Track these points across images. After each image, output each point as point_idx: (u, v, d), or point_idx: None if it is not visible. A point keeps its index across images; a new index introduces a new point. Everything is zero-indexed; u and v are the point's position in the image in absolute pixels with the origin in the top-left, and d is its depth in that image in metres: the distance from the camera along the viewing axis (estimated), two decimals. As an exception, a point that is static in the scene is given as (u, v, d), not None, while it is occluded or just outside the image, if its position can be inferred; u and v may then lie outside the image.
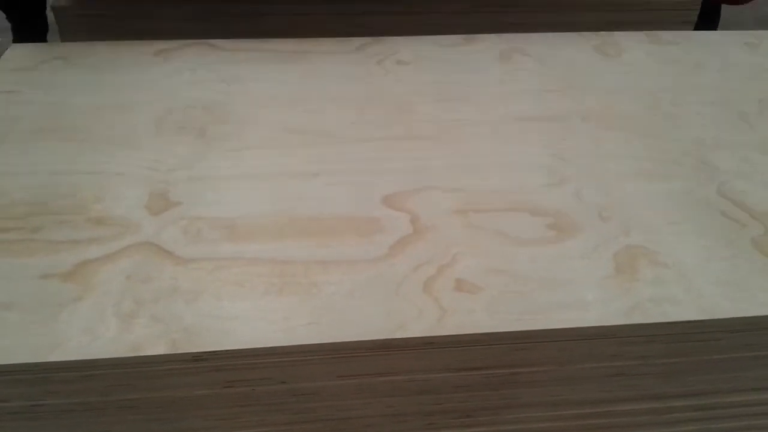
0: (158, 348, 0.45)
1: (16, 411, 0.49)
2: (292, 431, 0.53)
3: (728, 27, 1.62)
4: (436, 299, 0.49)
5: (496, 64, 0.78)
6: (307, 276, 0.51)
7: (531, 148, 0.66)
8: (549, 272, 0.52)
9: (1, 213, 0.56)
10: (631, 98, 0.74)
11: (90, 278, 0.50)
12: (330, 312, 0.48)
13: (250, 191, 0.59)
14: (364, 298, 0.49)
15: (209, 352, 0.46)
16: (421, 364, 0.49)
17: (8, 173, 0.60)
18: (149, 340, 0.46)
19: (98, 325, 0.47)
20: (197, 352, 0.46)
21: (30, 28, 1.65)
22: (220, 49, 0.80)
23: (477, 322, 0.48)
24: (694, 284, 0.51)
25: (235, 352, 0.46)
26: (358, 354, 0.48)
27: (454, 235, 0.55)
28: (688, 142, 0.67)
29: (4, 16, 1.67)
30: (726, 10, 1.63)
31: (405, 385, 0.51)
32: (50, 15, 0.99)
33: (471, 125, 0.68)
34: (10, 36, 1.68)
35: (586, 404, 0.54)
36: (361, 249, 0.53)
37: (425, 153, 0.64)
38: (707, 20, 1.46)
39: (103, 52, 0.79)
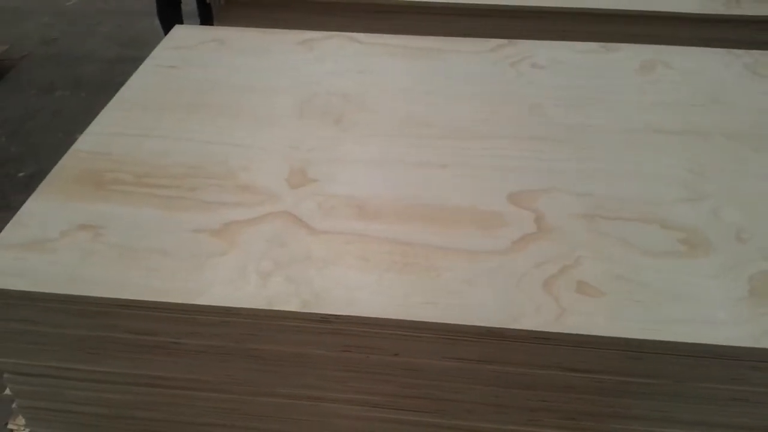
0: (291, 305, 0.49)
1: (158, 345, 0.55)
2: (395, 404, 0.56)
3: None
4: (556, 298, 0.50)
5: (636, 74, 0.77)
6: (427, 259, 0.53)
7: (668, 160, 0.64)
8: (676, 286, 0.50)
9: (163, 172, 0.63)
10: (783, 120, 0.69)
11: (235, 237, 0.55)
12: (448, 295, 0.50)
13: (380, 176, 0.62)
14: (483, 286, 0.51)
15: (335, 315, 0.49)
16: (532, 358, 0.50)
17: (170, 137, 0.68)
18: (283, 297, 0.50)
19: (239, 278, 0.52)
20: (324, 314, 0.49)
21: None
22: (360, 42, 0.84)
23: (596, 324, 0.48)
24: (838, 319, 0.48)
25: (357, 318, 0.49)
26: (472, 338, 0.49)
27: (579, 238, 0.55)
28: (844, 172, 0.62)
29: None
30: None
31: (513, 378, 0.52)
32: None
33: (605, 132, 0.67)
34: (197, 20, 1.92)
35: (699, 426, 0.52)
36: (483, 241, 0.55)
37: (555, 155, 0.64)
38: None
39: (254, 37, 0.86)
